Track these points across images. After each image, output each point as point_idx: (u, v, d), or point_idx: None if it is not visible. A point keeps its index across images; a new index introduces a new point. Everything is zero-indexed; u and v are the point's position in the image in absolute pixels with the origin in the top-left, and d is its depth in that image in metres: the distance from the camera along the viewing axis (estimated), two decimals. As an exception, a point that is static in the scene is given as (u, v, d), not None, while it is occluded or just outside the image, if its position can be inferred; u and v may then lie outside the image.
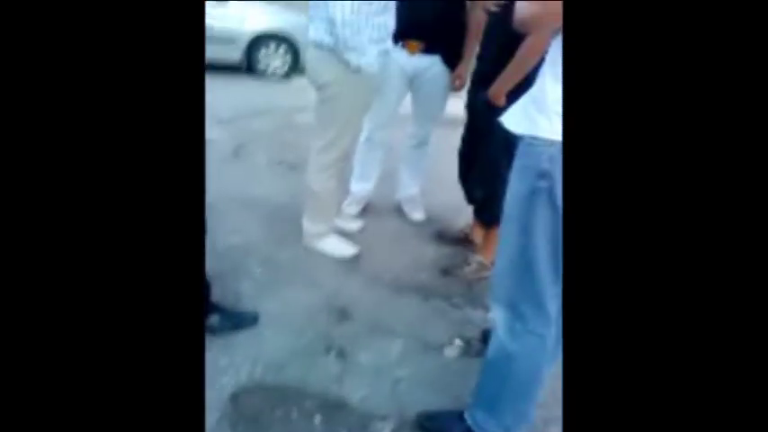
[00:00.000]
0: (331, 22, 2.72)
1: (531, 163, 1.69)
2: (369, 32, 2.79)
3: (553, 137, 1.63)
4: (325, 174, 3.20)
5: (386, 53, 3.04)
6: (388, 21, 2.93)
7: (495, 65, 2.84)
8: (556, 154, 1.63)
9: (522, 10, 1.67)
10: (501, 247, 1.84)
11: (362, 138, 3.69)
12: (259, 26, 8.72)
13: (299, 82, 8.59)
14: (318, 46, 2.91)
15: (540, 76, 1.77)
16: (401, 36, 3.23)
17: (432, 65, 3.46)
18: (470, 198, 3.46)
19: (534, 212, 1.70)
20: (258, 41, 8.75)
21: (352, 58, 2.81)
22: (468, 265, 3.47)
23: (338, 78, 2.91)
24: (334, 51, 2.82)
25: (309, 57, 3.06)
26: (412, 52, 3.36)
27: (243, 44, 8.62)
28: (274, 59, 8.62)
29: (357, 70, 2.85)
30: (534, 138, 1.68)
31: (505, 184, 1.89)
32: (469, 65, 3.49)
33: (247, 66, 8.88)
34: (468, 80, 3.34)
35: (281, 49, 8.67)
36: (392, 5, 2.91)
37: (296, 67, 8.81)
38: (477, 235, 3.57)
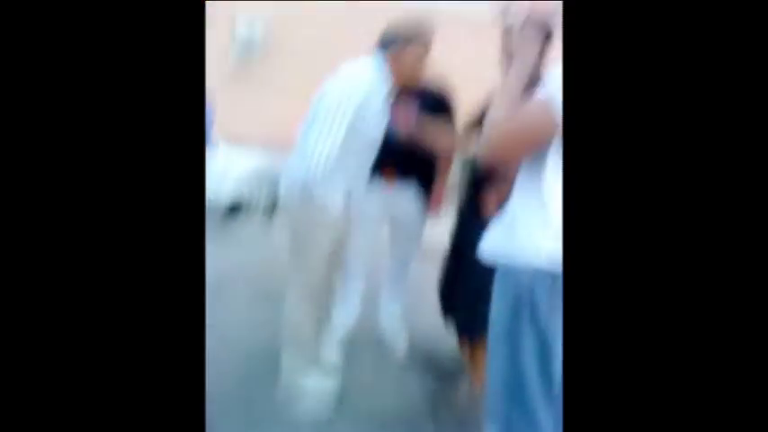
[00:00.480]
0: (304, 164, 2.76)
1: (510, 288, 1.69)
2: (341, 174, 2.84)
3: (529, 261, 1.63)
4: (305, 304, 3.07)
5: (357, 190, 3.05)
6: (362, 162, 2.99)
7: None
8: (534, 277, 1.63)
9: (491, 130, 1.69)
10: (490, 369, 1.81)
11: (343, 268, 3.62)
12: (244, 168, 9.13)
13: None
14: (291, 185, 2.96)
15: (509, 203, 1.78)
16: (375, 165, 3.11)
17: (407, 190, 3.45)
18: (450, 312, 3.31)
19: (520, 335, 1.68)
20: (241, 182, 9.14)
21: (321, 196, 2.83)
22: (458, 390, 3.33)
23: (310, 216, 2.91)
24: (305, 190, 2.84)
25: (282, 194, 3.08)
26: (388, 180, 3.34)
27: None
28: (259, 200, 9.00)
29: (326, 208, 2.86)
30: (510, 262, 1.69)
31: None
32: (445, 184, 3.49)
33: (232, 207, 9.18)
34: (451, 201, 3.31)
35: (265, 190, 9.06)
36: (364, 148, 2.95)
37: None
38: (465, 352, 3.47)
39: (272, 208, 9.05)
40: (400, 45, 2.87)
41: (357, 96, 2.69)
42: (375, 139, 2.90)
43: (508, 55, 1.90)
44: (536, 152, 1.63)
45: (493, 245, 1.76)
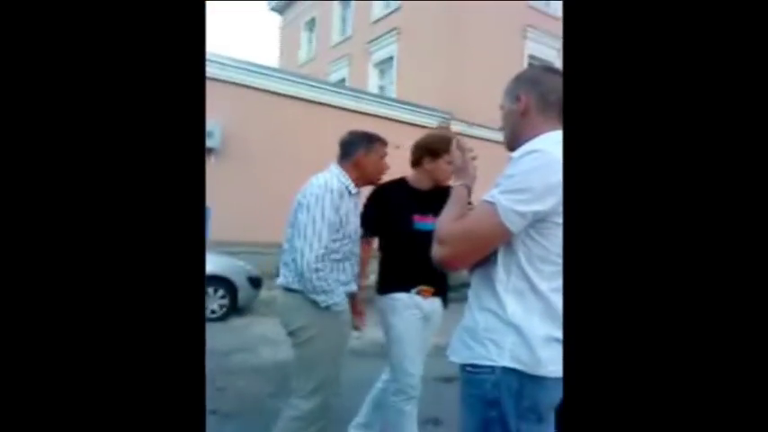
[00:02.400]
0: (299, 269, 2.87)
1: (476, 392, 1.67)
2: (335, 276, 2.98)
3: (492, 363, 1.62)
4: (303, 426, 2.97)
5: (350, 293, 3.17)
6: (353, 264, 3.15)
7: None
8: (501, 380, 1.62)
9: (441, 234, 1.71)
10: None
11: (385, 386, 3.45)
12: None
13: (237, 322, 8.97)
14: (288, 291, 3.02)
15: (467, 307, 1.78)
16: (413, 283, 3.23)
17: (438, 306, 3.42)
18: None
19: None
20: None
21: (321, 300, 2.89)
22: None
23: (311, 321, 2.94)
24: (304, 295, 2.92)
25: (280, 302, 3.13)
26: (426, 297, 3.29)
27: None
28: (212, 302, 8.97)
29: (327, 310, 2.93)
30: (474, 366, 1.67)
31: None
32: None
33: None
34: None
35: (220, 292, 9.05)
36: (356, 251, 3.14)
37: (234, 307, 9.25)
38: None
39: (227, 309, 9.14)
40: (360, 152, 3.13)
41: (330, 202, 2.92)
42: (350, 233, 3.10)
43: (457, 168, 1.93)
44: (487, 253, 1.66)
45: (457, 349, 1.76)
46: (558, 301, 1.60)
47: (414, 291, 3.23)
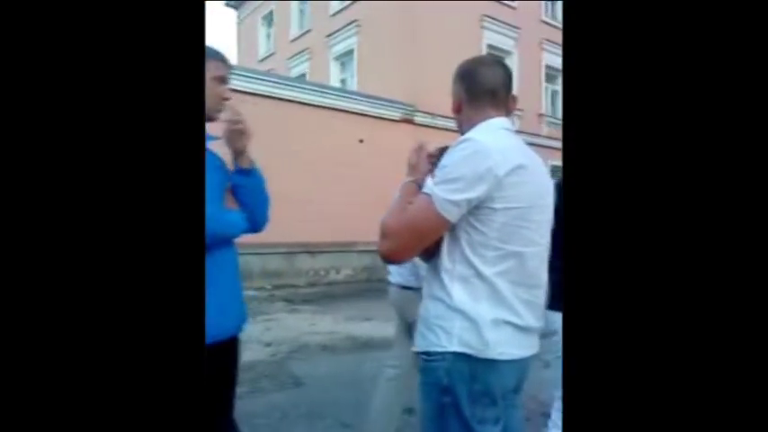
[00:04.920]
0: (414, 266, 3.00)
1: (430, 380, 1.71)
2: None
3: (443, 349, 1.66)
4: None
5: None
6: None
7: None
8: (452, 366, 1.65)
9: (383, 226, 1.74)
10: None
11: None
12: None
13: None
14: (404, 288, 3.26)
15: (423, 296, 1.82)
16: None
17: None
18: None
19: (446, 428, 1.69)
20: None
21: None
22: None
23: None
24: (419, 291, 2.93)
25: (397, 298, 3.36)
26: None
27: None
28: None
29: None
30: (427, 353, 1.71)
31: None
32: None
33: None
34: None
35: None
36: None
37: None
38: None
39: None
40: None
41: None
42: None
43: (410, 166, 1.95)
44: (428, 244, 1.70)
45: (415, 338, 1.80)
46: (503, 285, 1.65)
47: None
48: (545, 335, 2.68)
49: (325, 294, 11.82)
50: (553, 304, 2.65)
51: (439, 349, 1.67)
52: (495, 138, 1.67)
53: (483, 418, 1.66)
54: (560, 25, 20.58)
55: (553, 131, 19.92)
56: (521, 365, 1.76)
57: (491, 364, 1.63)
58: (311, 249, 13.93)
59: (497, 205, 1.61)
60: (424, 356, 1.72)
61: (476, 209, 1.61)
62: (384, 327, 7.01)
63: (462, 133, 1.79)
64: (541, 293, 1.83)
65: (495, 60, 1.94)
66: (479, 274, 1.65)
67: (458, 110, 1.90)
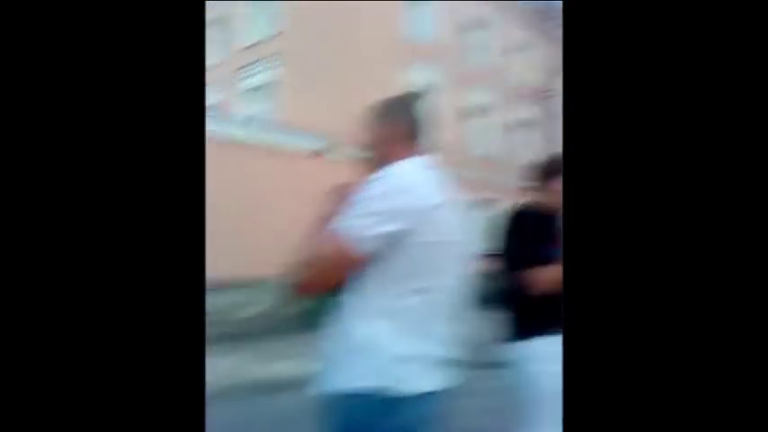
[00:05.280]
0: None
1: (344, 419, 1.65)
2: None
3: (354, 387, 1.60)
4: None
5: None
6: None
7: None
8: (363, 404, 1.59)
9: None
10: None
11: None
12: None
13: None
14: None
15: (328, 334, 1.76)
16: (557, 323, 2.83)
17: None
18: None
19: None
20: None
21: None
22: None
23: None
24: None
25: None
26: None
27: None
28: None
29: None
30: (336, 393, 1.65)
31: None
32: None
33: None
34: None
35: None
36: None
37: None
38: None
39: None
40: None
41: None
42: None
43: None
44: (344, 277, 1.65)
45: (322, 380, 1.72)
46: (415, 318, 1.63)
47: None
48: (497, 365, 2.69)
49: (233, 333, 11.43)
50: (516, 334, 2.65)
51: (351, 387, 1.61)
52: (413, 174, 1.69)
53: None
54: (483, 66, 21.23)
55: (480, 166, 20.31)
56: (434, 399, 1.70)
57: (403, 399, 1.59)
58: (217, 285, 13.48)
59: (413, 240, 1.60)
60: (333, 396, 1.66)
61: (391, 243, 1.59)
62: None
63: (379, 168, 1.77)
64: (454, 326, 1.81)
65: (416, 97, 1.97)
66: (391, 309, 1.62)
67: (376, 145, 1.88)
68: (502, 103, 22.12)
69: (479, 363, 3.82)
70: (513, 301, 2.78)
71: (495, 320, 2.85)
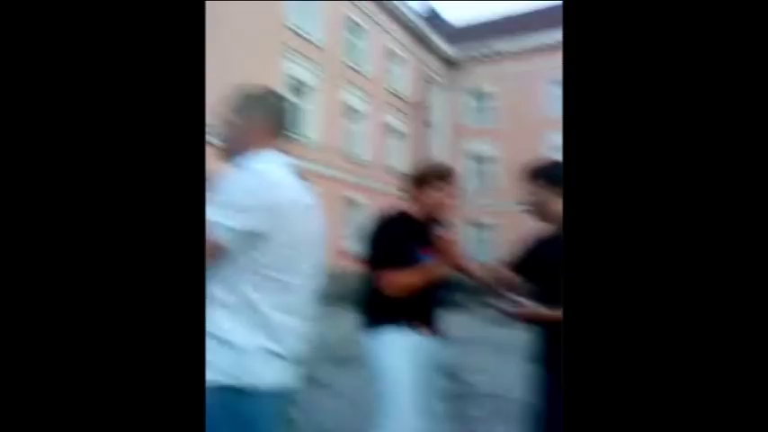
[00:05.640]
0: None
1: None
2: None
3: (213, 382, 1.57)
4: None
5: None
6: None
7: None
8: (219, 398, 1.58)
9: None
10: None
11: None
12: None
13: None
14: None
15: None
16: (409, 318, 2.88)
17: (435, 344, 3.07)
18: None
19: None
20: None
21: None
22: None
23: None
24: None
25: None
26: (424, 333, 2.95)
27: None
28: None
29: None
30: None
31: None
32: None
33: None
34: None
35: None
36: None
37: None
38: None
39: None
40: None
41: None
42: None
43: None
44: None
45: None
46: (273, 315, 1.66)
47: (412, 327, 2.91)
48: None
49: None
50: (371, 330, 2.75)
51: (210, 380, 1.54)
52: (274, 170, 1.72)
53: None
54: (360, 70, 21.40)
55: (350, 166, 20.52)
56: (284, 393, 1.74)
57: (253, 393, 1.61)
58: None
59: (273, 236, 1.63)
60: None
61: (251, 238, 1.61)
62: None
63: (234, 161, 1.79)
64: (307, 323, 1.83)
65: (277, 94, 1.99)
66: (250, 304, 1.64)
67: (233, 136, 1.89)
68: (375, 108, 22.40)
69: (340, 358, 3.91)
70: (371, 300, 2.88)
71: (357, 318, 2.93)
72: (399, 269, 2.72)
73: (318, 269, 1.85)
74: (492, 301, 2.73)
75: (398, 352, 2.76)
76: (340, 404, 5.13)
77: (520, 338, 2.66)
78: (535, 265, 2.68)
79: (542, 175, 2.61)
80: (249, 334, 1.61)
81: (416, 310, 2.86)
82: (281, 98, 1.95)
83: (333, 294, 3.40)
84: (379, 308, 2.85)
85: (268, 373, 1.63)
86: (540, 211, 2.63)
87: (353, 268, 2.88)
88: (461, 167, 26.69)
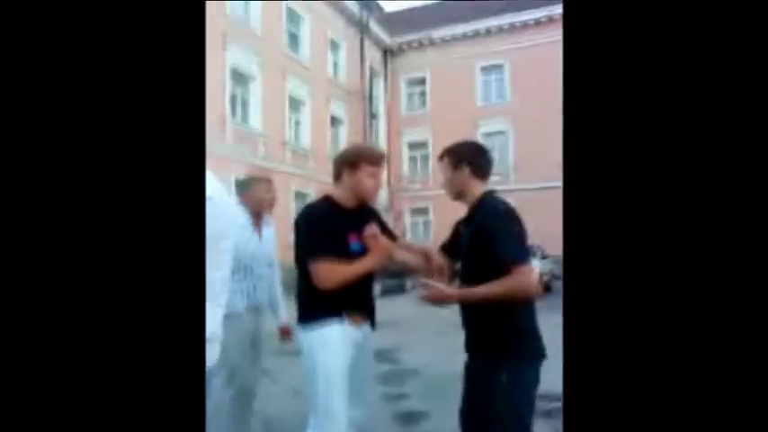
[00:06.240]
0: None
1: None
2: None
3: None
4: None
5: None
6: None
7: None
8: None
9: None
10: None
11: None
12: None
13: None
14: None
15: None
16: (342, 310, 2.83)
17: (368, 332, 3.04)
18: None
19: None
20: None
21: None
22: None
23: None
24: None
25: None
26: (358, 324, 2.91)
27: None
28: None
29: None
30: None
31: None
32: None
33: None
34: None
35: None
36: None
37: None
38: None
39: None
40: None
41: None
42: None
43: None
44: None
45: None
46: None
47: (346, 319, 2.86)
48: None
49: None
50: (304, 323, 2.78)
51: None
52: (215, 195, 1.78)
53: None
54: (301, 60, 21.21)
55: (296, 159, 20.37)
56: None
57: None
58: None
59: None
60: None
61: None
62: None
63: None
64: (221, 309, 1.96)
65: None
66: None
67: None
68: (317, 97, 22.25)
69: (285, 348, 4.02)
70: (305, 293, 2.84)
71: (294, 308, 2.93)
72: (330, 260, 2.68)
73: (236, 262, 2.07)
74: (418, 284, 2.77)
75: (332, 346, 2.74)
76: (281, 391, 5.34)
77: (452, 318, 2.73)
78: (457, 247, 2.73)
79: (460, 156, 2.64)
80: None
81: (350, 300, 2.82)
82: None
83: (285, 286, 3.43)
84: (313, 301, 2.79)
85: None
86: (459, 192, 2.68)
87: (292, 258, 2.86)
88: (399, 154, 26.90)
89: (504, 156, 24.57)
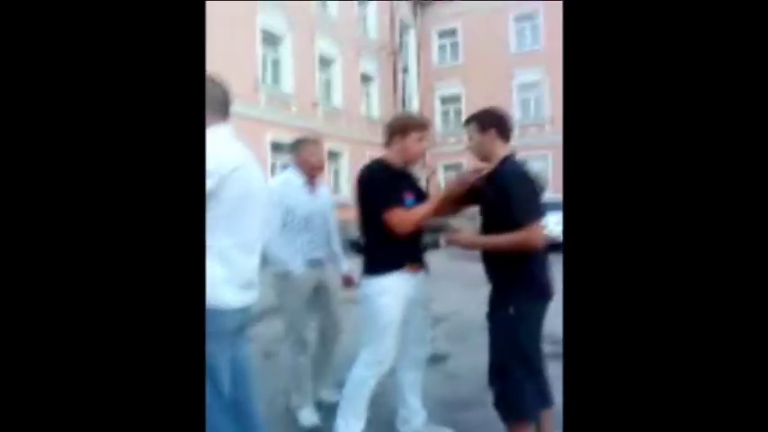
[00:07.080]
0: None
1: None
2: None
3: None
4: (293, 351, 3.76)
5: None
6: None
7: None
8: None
9: None
10: None
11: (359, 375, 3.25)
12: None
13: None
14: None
15: None
16: (404, 260, 3.18)
17: (423, 279, 3.34)
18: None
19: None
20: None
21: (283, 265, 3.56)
22: None
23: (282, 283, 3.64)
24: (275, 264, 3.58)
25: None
26: (416, 273, 3.25)
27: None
28: None
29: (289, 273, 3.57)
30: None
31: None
32: None
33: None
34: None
35: None
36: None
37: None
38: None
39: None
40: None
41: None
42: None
43: None
44: None
45: None
46: (232, 253, 2.13)
47: (407, 268, 3.22)
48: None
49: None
50: (368, 272, 3.11)
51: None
52: (220, 143, 2.06)
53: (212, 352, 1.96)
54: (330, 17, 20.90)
55: (328, 119, 20.21)
56: (243, 312, 2.24)
57: (220, 312, 2.04)
58: None
59: (223, 195, 1.99)
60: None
61: (213, 197, 1.93)
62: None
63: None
64: (256, 260, 2.30)
65: (220, 79, 2.26)
66: (216, 246, 2.01)
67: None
68: (348, 55, 21.99)
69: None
70: (371, 244, 3.22)
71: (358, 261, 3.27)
72: (394, 210, 3.00)
73: (261, 222, 2.30)
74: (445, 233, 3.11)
75: (393, 293, 3.09)
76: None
77: (480, 273, 2.96)
78: (480, 198, 2.98)
79: (487, 121, 2.90)
80: (217, 269, 2.02)
81: (409, 252, 3.20)
82: (223, 83, 2.23)
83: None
84: (378, 253, 3.17)
85: (227, 297, 2.09)
86: (486, 154, 2.93)
87: (348, 216, 3.10)
88: (432, 109, 26.59)
89: (540, 107, 24.16)
